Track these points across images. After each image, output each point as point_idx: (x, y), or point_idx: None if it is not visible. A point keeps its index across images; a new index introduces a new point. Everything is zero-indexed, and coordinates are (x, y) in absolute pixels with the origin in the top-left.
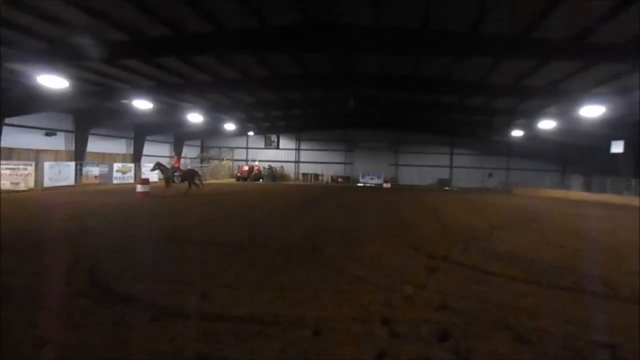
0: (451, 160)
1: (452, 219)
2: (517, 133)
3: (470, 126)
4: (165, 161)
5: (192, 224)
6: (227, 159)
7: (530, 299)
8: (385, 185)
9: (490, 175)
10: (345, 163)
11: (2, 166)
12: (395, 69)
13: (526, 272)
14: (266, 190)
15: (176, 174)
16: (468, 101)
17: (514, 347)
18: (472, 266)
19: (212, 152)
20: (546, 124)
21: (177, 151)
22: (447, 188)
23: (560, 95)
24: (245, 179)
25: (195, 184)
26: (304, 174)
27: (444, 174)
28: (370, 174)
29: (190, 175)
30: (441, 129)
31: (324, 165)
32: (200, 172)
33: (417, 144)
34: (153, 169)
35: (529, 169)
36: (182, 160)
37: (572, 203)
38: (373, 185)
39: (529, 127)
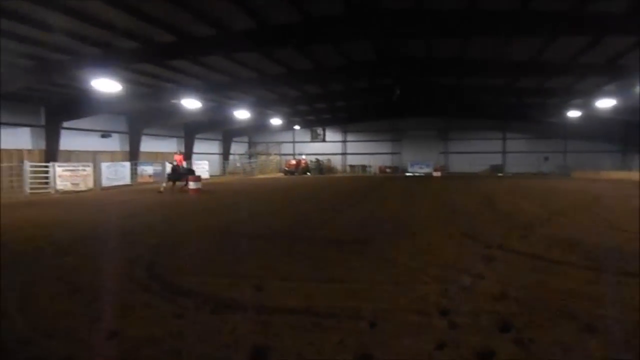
0: (504, 145)
1: (507, 206)
2: (573, 114)
3: (524, 109)
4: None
5: (244, 218)
6: (274, 154)
7: (595, 286)
8: (435, 173)
9: (546, 159)
10: (392, 153)
11: (63, 168)
12: (443, 52)
13: (589, 259)
14: (314, 184)
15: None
16: (520, 82)
17: (580, 337)
18: (532, 254)
19: (260, 148)
20: (605, 103)
21: (179, 151)
22: (500, 174)
23: (620, 72)
24: (292, 173)
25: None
26: (351, 166)
27: (497, 159)
28: (419, 163)
29: (188, 175)
30: (492, 114)
31: (371, 156)
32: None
33: (467, 130)
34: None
35: (588, 150)
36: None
37: (635, 185)
38: (422, 174)
39: (586, 106)
